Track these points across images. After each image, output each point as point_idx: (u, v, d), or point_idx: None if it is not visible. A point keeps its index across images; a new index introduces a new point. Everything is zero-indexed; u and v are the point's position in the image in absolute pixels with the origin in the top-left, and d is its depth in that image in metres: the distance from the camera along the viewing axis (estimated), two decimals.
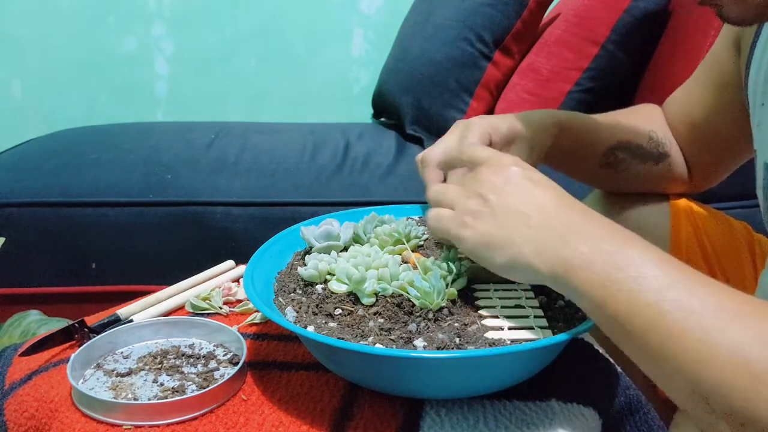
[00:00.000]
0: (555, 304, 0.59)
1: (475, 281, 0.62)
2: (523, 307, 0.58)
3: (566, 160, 0.82)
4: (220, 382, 0.57)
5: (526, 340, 0.53)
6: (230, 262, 0.84)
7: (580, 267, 0.49)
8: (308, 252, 0.69)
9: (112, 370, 0.62)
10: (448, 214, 0.57)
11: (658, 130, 0.86)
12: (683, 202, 0.87)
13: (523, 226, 0.53)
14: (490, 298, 0.59)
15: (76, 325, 0.68)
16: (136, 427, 0.55)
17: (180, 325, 0.68)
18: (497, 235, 0.53)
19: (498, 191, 0.55)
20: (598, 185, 0.90)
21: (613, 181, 0.85)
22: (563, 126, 0.77)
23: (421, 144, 1.47)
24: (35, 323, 0.97)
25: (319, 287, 0.62)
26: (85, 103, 2.06)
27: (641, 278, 0.46)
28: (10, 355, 0.68)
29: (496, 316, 0.56)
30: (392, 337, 0.54)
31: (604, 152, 0.82)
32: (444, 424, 0.54)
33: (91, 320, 0.71)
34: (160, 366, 0.62)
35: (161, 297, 0.75)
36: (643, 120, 0.86)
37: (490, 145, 0.72)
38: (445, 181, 0.71)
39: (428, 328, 0.55)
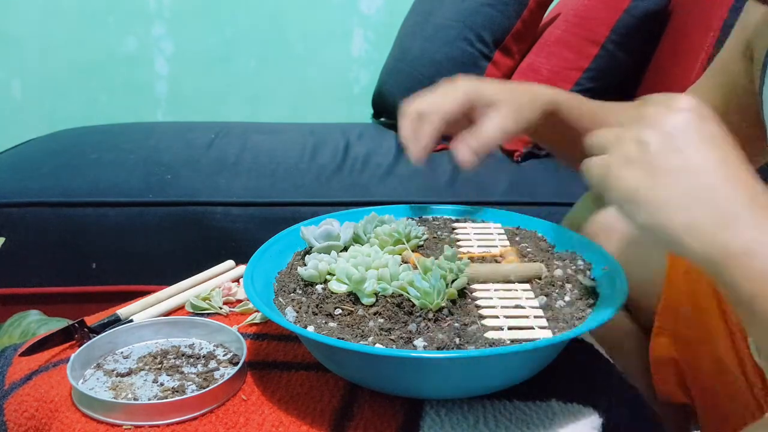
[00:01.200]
0: (555, 304, 0.59)
1: (475, 281, 0.62)
2: (523, 307, 0.58)
3: (554, 140, 0.79)
4: (220, 382, 0.57)
5: (526, 340, 0.53)
6: (230, 262, 0.84)
7: (737, 256, 0.43)
8: (308, 252, 0.69)
9: (112, 370, 0.62)
10: (598, 161, 0.49)
11: None
12: None
13: (679, 189, 0.45)
14: (491, 298, 0.59)
15: (76, 325, 0.68)
16: (136, 427, 0.55)
17: (180, 325, 0.68)
18: (644, 193, 0.46)
19: (661, 138, 0.46)
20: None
21: None
22: (559, 106, 0.74)
23: None
24: (35, 323, 0.97)
25: (319, 287, 0.62)
26: (85, 103, 2.06)
27: None
28: (10, 355, 0.68)
29: (496, 316, 0.56)
30: (392, 337, 0.54)
31: None
32: (444, 424, 0.54)
33: (91, 320, 0.71)
34: (160, 366, 0.62)
35: (161, 297, 0.75)
36: None
37: (469, 106, 0.70)
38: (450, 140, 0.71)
39: (428, 328, 0.55)
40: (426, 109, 0.71)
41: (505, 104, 0.69)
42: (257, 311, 0.72)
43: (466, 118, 0.71)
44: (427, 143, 0.70)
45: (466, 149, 0.68)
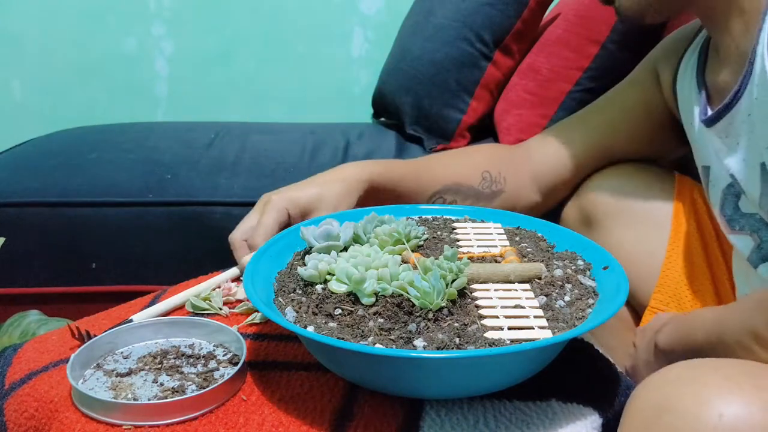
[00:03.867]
0: (555, 304, 0.59)
1: (475, 281, 0.62)
2: (523, 307, 0.58)
3: (391, 199, 0.87)
4: (220, 382, 0.57)
5: (526, 340, 0.53)
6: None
7: None
8: (308, 252, 0.69)
9: (112, 370, 0.62)
10: None
11: (493, 168, 0.91)
12: (690, 182, 0.86)
13: None
14: (490, 298, 0.59)
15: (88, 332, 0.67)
16: (136, 427, 0.55)
17: (180, 325, 0.67)
18: None
19: None
20: None
21: None
22: (373, 183, 0.83)
23: (421, 144, 1.47)
24: (35, 323, 0.97)
25: (319, 287, 0.62)
26: (84, 103, 2.06)
27: None
28: (10, 355, 0.68)
29: (496, 316, 0.56)
30: (392, 337, 0.54)
31: (430, 197, 0.88)
32: (444, 424, 0.54)
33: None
34: (160, 366, 0.62)
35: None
36: (480, 159, 0.92)
37: (289, 219, 0.77)
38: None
39: (428, 328, 0.55)
40: (249, 238, 0.76)
41: (323, 206, 0.78)
42: (257, 311, 0.72)
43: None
44: None
45: None
